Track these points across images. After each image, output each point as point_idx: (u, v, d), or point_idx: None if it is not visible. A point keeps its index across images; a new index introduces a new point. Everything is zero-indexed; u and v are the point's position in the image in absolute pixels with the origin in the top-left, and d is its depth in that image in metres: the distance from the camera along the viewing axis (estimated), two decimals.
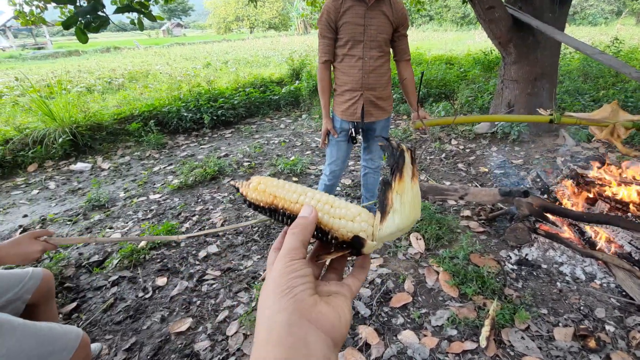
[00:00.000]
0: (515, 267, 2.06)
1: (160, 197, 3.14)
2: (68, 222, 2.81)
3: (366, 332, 1.68)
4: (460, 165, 3.47)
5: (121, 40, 28.88)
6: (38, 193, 3.39)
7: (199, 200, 3.06)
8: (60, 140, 4.02)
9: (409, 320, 1.76)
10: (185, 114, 4.87)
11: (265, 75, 7.12)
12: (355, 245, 0.38)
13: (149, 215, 2.84)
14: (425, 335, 1.66)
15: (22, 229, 2.77)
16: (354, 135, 2.05)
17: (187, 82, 6.51)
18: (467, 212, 2.61)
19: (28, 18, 5.10)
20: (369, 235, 0.38)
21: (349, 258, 0.43)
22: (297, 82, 6.54)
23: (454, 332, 1.66)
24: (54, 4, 4.21)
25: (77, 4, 2.44)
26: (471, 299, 1.82)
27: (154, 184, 3.43)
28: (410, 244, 2.29)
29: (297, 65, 7.24)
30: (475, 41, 13.81)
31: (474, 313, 1.74)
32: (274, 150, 4.18)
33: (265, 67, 9.42)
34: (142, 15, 2.73)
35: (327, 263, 0.43)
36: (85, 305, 1.96)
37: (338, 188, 2.88)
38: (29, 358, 1.05)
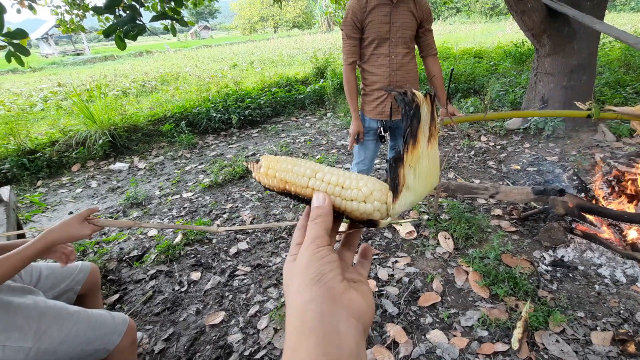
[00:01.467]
0: (549, 268, 1.99)
1: (192, 195, 3.28)
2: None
3: (394, 331, 1.69)
4: (490, 163, 3.38)
5: (152, 44, 30.04)
6: (81, 191, 3.63)
7: (229, 198, 3.17)
8: (100, 141, 4.28)
9: (437, 320, 1.75)
10: (214, 115, 5.03)
11: (290, 75, 7.20)
12: (368, 223, 0.38)
13: (183, 213, 2.98)
14: (454, 336, 1.65)
15: None
16: (382, 134, 2.06)
17: (215, 84, 6.70)
18: (498, 211, 2.55)
19: (69, 26, 5.45)
20: (383, 213, 0.37)
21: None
22: (322, 80, 6.57)
23: (485, 333, 1.64)
24: (91, 13, 4.45)
25: (116, 13, 2.59)
26: (502, 300, 1.79)
27: (187, 183, 3.58)
28: (438, 243, 2.26)
29: (322, 63, 7.27)
30: (506, 32, 13.27)
31: (506, 314, 1.71)
32: (299, 149, 4.23)
33: (289, 66, 9.52)
34: (174, 21, 2.86)
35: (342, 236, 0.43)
36: (126, 297, 2.09)
37: None
38: (86, 340, 1.17)
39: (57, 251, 1.26)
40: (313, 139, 4.51)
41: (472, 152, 3.64)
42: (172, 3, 2.79)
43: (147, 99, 6.62)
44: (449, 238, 2.28)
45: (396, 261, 2.16)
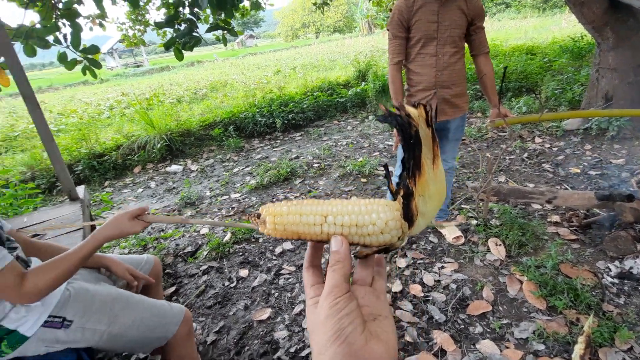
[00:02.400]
0: (616, 280, 1.83)
1: (240, 196, 3.43)
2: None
3: (441, 338, 1.65)
4: (546, 166, 3.17)
5: (202, 55, 31.83)
6: (142, 191, 3.95)
7: (274, 199, 3.28)
8: (158, 145, 4.64)
9: (488, 330, 1.68)
10: (260, 119, 5.23)
11: (332, 79, 7.27)
12: (385, 248, 0.39)
13: (231, 212, 3.13)
14: (507, 347, 1.57)
15: None
16: None
17: (260, 89, 6.96)
18: (555, 218, 2.38)
19: (131, 40, 5.97)
20: (400, 236, 0.38)
21: None
22: (364, 83, 6.56)
23: (541, 347, 1.54)
24: (152, 27, 4.85)
25: (175, 27, 2.81)
26: (562, 313, 1.67)
27: (234, 184, 3.76)
28: (488, 250, 2.17)
29: (363, 66, 7.26)
30: (562, 27, 12.34)
31: (565, 328, 1.60)
32: (342, 152, 4.26)
33: (331, 70, 9.61)
34: (225, 32, 3.04)
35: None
36: (182, 289, 2.25)
37: None
38: (149, 327, 1.26)
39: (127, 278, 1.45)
40: (355, 142, 4.52)
41: (525, 155, 3.43)
42: (223, 15, 2.97)
43: (198, 105, 7.03)
44: (500, 245, 2.18)
45: (442, 267, 2.11)
